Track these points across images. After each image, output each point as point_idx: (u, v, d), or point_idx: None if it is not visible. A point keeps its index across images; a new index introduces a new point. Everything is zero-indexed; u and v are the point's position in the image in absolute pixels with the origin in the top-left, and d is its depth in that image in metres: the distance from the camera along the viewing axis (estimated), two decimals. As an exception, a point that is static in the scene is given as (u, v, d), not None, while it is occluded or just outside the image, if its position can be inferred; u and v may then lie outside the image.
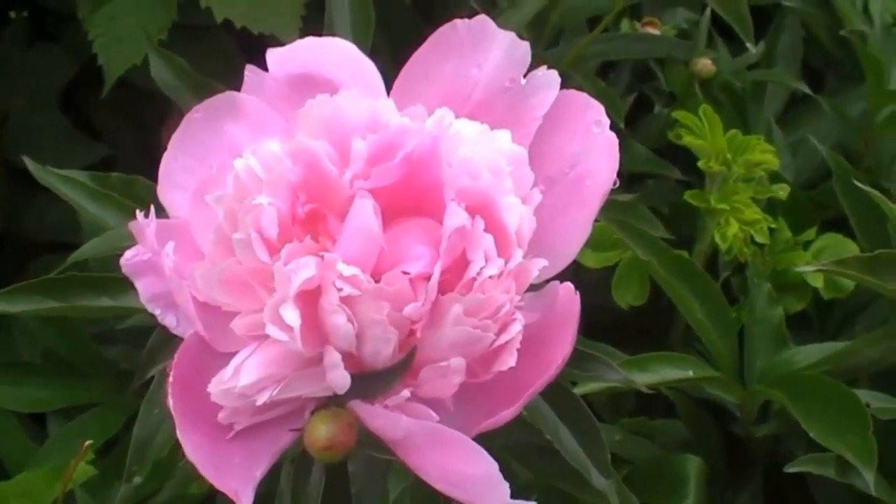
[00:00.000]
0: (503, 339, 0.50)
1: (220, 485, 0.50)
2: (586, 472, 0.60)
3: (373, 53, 0.62)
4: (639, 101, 1.21)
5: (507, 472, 0.91)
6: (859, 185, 0.84)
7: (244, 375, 0.49)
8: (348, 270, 0.48)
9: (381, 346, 0.49)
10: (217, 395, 0.50)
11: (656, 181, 1.12)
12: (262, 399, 0.50)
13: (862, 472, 0.75)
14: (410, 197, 0.51)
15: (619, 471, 0.88)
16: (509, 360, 0.50)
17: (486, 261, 0.49)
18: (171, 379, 0.51)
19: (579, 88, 1.04)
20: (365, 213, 0.49)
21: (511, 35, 0.55)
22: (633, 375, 0.79)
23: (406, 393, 0.50)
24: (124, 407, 0.92)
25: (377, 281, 0.49)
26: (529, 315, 0.52)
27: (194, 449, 0.50)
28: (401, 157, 0.50)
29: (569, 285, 0.52)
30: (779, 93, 1.25)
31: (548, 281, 0.53)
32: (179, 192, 0.56)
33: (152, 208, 0.53)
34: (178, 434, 0.50)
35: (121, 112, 1.23)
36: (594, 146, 0.54)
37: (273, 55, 0.58)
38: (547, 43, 1.07)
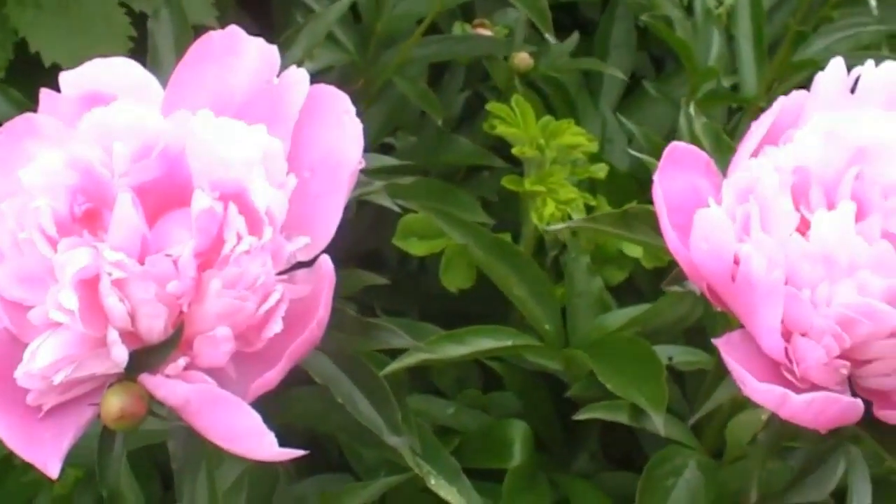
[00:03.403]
0: (265, 307, 0.57)
1: (29, 458, 0.56)
2: (379, 431, 0.67)
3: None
4: (477, 100, 1.27)
5: (355, 455, 0.97)
6: (636, 154, 0.90)
7: (39, 358, 0.55)
8: (113, 256, 0.54)
9: (152, 322, 0.56)
10: (21, 379, 0.57)
11: (491, 172, 1.18)
12: (58, 379, 0.56)
13: (652, 416, 0.81)
14: (174, 191, 0.57)
15: (451, 442, 0.94)
16: (275, 327, 0.57)
17: (239, 239, 0.56)
18: (-23, 368, 0.57)
19: (403, 94, 1.10)
20: (124, 205, 0.55)
21: (259, 41, 0.62)
22: (449, 348, 0.84)
23: (181, 362, 0.56)
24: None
25: (143, 264, 0.55)
26: (302, 288, 0.59)
27: (6, 428, 0.56)
28: (155, 154, 0.57)
29: (325, 256, 0.58)
30: (615, 82, 1.32)
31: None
32: (-15, 208, 0.62)
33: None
34: (-11, 415, 0.56)
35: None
36: (344, 133, 0.60)
37: (64, 78, 0.64)
38: (374, 53, 1.13)
